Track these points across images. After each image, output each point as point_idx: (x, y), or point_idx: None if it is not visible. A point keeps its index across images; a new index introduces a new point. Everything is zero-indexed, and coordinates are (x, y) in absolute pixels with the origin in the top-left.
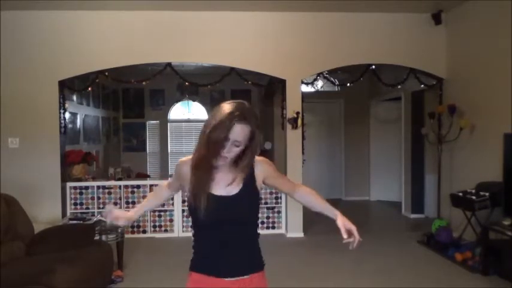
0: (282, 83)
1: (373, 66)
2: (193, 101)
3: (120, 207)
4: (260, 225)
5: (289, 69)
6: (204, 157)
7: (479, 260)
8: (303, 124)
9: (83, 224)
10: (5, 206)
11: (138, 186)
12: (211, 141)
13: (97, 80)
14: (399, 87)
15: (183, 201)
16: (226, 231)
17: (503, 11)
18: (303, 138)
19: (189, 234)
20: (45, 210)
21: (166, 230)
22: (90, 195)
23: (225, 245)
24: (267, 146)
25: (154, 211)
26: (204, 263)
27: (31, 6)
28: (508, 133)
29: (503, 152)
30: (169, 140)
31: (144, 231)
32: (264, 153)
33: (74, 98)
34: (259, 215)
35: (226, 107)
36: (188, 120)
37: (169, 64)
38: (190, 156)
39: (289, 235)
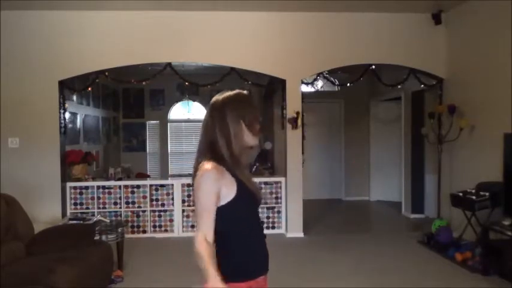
0: (282, 83)
1: (373, 66)
2: (193, 101)
3: (120, 208)
4: None
5: (289, 69)
6: (244, 152)
7: (479, 260)
8: (303, 124)
9: (83, 224)
10: (5, 205)
11: (138, 186)
12: (251, 136)
13: (97, 80)
14: (399, 87)
15: (183, 201)
16: (257, 222)
17: (503, 11)
18: (303, 138)
19: (189, 234)
20: (45, 210)
21: (166, 230)
22: (90, 195)
23: (262, 238)
24: (267, 146)
25: (154, 211)
26: (253, 264)
27: (31, 6)
28: (508, 133)
29: (503, 152)
30: (169, 140)
31: (144, 231)
32: (264, 153)
33: (74, 98)
34: (260, 215)
35: (248, 98)
36: (188, 120)
37: (169, 64)
38: (203, 163)
39: (289, 235)
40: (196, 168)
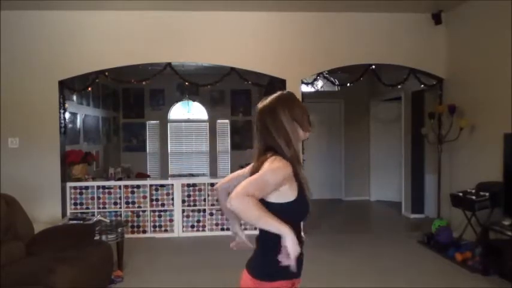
0: (282, 83)
1: (373, 66)
2: (193, 101)
3: (120, 207)
4: None
5: (289, 69)
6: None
7: (479, 260)
8: None
9: (83, 224)
10: (5, 206)
11: (138, 186)
12: (302, 132)
13: (97, 80)
14: (399, 87)
15: (183, 201)
16: (300, 228)
17: (503, 11)
18: None
19: (189, 234)
20: (45, 210)
21: (166, 230)
22: (90, 195)
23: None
24: None
25: (154, 211)
26: (296, 265)
27: (31, 6)
28: (508, 133)
29: (503, 152)
30: (169, 140)
31: (144, 231)
32: None
33: (74, 98)
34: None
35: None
36: (188, 120)
37: (169, 64)
38: (276, 157)
39: None
40: (258, 166)
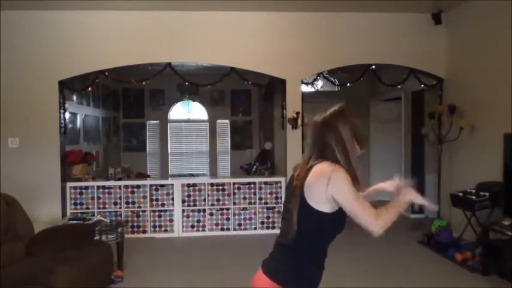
0: (282, 83)
1: (373, 66)
2: (193, 101)
3: (120, 208)
4: (260, 225)
5: (289, 69)
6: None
7: (479, 260)
8: (303, 124)
9: (83, 224)
10: (5, 205)
11: (138, 186)
12: (359, 149)
13: (97, 80)
14: (399, 87)
15: (183, 201)
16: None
17: (503, 11)
18: (303, 138)
19: (189, 234)
20: (45, 210)
21: (166, 230)
22: (90, 195)
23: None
24: (267, 146)
25: (154, 211)
26: (318, 277)
27: (31, 6)
28: (508, 133)
29: (503, 152)
30: (169, 140)
31: (144, 231)
32: (264, 153)
33: (74, 98)
34: (260, 215)
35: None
36: (188, 120)
37: (169, 64)
38: (330, 164)
39: None
40: (306, 171)
